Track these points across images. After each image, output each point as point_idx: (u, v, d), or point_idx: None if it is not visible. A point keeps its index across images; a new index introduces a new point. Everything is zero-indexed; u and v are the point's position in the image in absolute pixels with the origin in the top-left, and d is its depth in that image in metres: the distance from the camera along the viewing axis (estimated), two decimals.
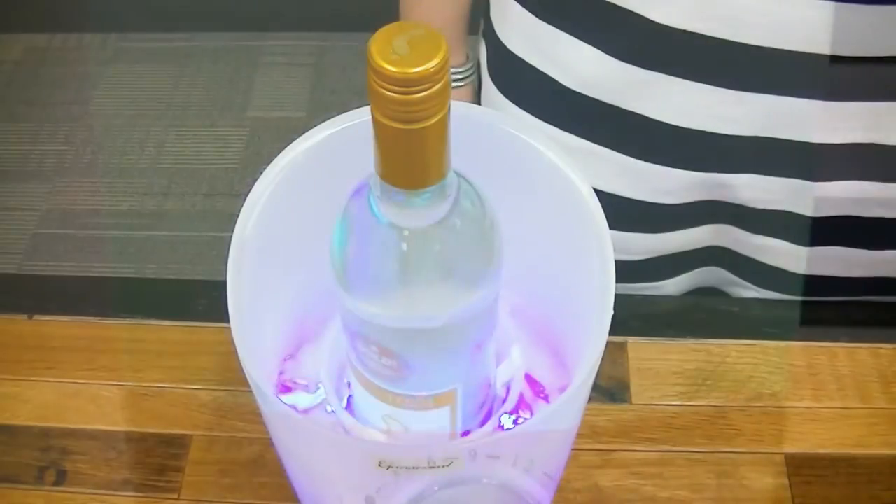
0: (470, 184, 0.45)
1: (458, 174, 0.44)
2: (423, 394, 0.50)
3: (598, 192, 0.52)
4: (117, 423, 0.70)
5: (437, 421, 0.52)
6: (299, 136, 0.54)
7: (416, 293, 0.46)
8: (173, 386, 0.71)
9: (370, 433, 0.54)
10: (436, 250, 0.44)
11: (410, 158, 0.40)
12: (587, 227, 0.51)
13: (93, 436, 0.69)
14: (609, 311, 0.48)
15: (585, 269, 0.51)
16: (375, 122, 0.39)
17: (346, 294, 0.46)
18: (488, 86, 0.81)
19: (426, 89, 0.37)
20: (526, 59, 0.75)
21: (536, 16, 0.74)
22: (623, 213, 0.76)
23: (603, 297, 0.49)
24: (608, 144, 0.74)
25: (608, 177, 0.76)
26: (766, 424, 0.69)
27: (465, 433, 0.54)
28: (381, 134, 0.39)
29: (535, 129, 0.74)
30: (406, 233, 0.43)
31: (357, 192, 0.45)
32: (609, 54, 0.70)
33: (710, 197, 0.76)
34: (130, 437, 0.69)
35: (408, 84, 0.37)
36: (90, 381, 0.72)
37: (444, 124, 0.39)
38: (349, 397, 0.56)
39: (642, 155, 0.74)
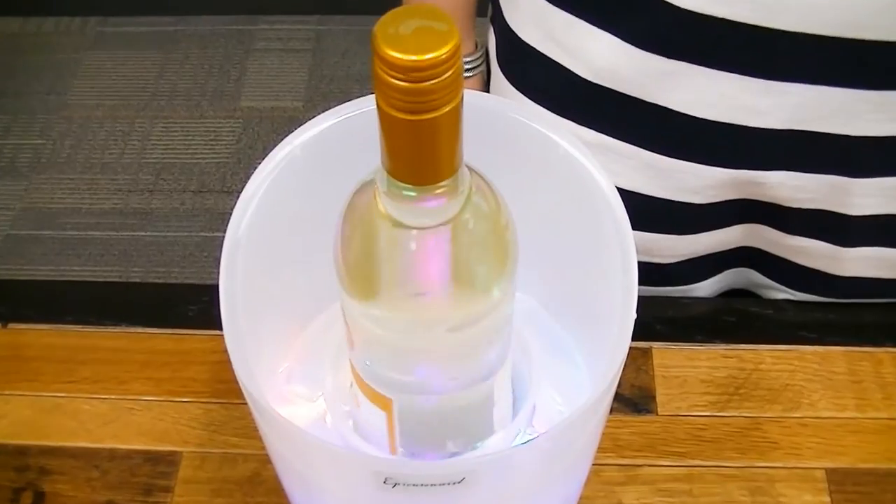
0: (483, 179, 0.45)
1: (471, 168, 0.44)
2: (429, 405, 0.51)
3: (618, 190, 0.52)
4: (100, 440, 0.70)
5: None
6: (296, 127, 0.54)
7: (425, 297, 0.46)
8: (161, 399, 0.72)
9: (375, 448, 0.54)
10: (447, 251, 0.44)
11: (420, 152, 0.40)
12: (607, 224, 0.51)
13: (73, 454, 0.69)
14: (632, 315, 0.48)
15: (606, 269, 0.51)
16: (381, 113, 0.39)
17: (350, 298, 0.47)
18: (497, 76, 0.81)
19: (437, 77, 0.37)
20: (538, 47, 0.75)
21: (549, 0, 0.73)
22: (645, 212, 0.76)
23: (625, 299, 0.49)
24: (628, 139, 0.74)
25: (628, 174, 0.76)
26: (805, 437, 0.69)
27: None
28: (388, 126, 0.39)
29: (549, 117, 0.75)
30: (415, 232, 0.43)
31: (362, 188, 0.45)
32: (628, 42, 0.70)
33: (740, 195, 0.76)
34: (114, 455, 0.69)
35: (417, 72, 0.36)
36: (70, 395, 0.72)
37: (456, 115, 0.39)
38: (353, 408, 0.56)
39: (665, 151, 0.74)
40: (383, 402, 0.50)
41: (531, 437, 0.55)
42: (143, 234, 1.92)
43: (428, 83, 0.37)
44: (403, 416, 0.51)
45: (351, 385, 0.53)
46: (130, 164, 2.03)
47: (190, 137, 2.08)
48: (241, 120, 2.10)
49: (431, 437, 0.53)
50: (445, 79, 0.37)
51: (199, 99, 2.14)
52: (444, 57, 0.36)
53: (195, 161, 2.03)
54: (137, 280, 1.83)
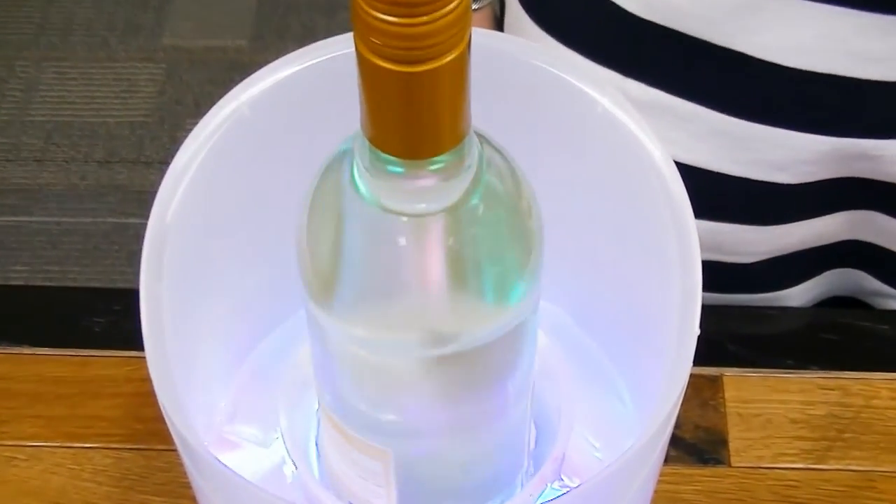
0: (497, 150, 0.45)
1: (481, 136, 0.44)
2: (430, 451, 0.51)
3: (676, 164, 0.53)
4: None
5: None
6: (243, 76, 0.55)
7: (419, 306, 0.47)
8: (56, 444, 0.72)
9: None
10: (449, 245, 0.45)
11: (413, 115, 0.40)
12: (661, 209, 0.52)
13: None
14: (694, 331, 0.49)
15: (660, 270, 0.52)
16: (363, 62, 0.39)
17: (318, 308, 0.47)
18: (515, 10, 0.82)
19: (437, 12, 0.37)
20: None
21: None
22: (714, 194, 0.77)
23: (685, 309, 0.49)
24: (691, 97, 0.75)
25: (690, 142, 0.76)
26: None
27: None
28: (372, 79, 0.39)
29: (585, 66, 0.75)
30: (405, 220, 0.44)
31: (334, 162, 0.45)
32: None
33: (845, 173, 0.76)
34: None
35: (412, 6, 0.36)
36: None
37: (462, 64, 0.39)
38: (319, 455, 0.57)
39: (742, 112, 0.74)
40: (364, 448, 0.51)
41: (559, 493, 0.56)
42: (27, 219, 1.92)
43: (425, 19, 0.37)
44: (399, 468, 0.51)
45: (318, 422, 0.54)
46: (10, 123, 2.04)
47: (94, 87, 2.08)
48: (163, 64, 2.10)
49: (432, 495, 0.54)
50: (449, 14, 0.37)
51: (105, 35, 2.14)
52: None
53: (101, 120, 2.04)
54: (20, 283, 1.84)
